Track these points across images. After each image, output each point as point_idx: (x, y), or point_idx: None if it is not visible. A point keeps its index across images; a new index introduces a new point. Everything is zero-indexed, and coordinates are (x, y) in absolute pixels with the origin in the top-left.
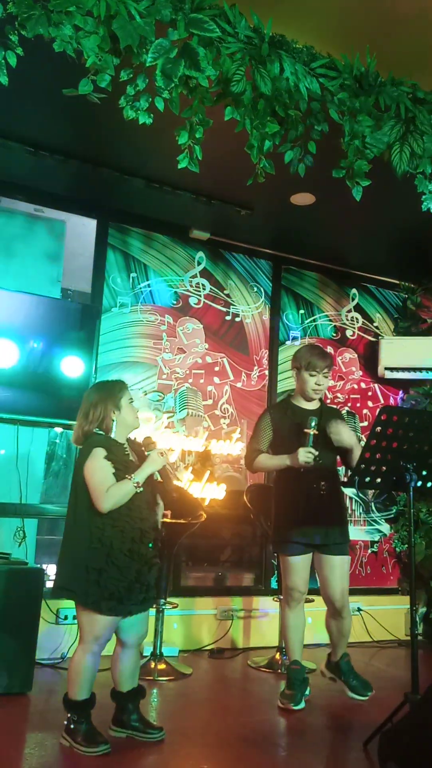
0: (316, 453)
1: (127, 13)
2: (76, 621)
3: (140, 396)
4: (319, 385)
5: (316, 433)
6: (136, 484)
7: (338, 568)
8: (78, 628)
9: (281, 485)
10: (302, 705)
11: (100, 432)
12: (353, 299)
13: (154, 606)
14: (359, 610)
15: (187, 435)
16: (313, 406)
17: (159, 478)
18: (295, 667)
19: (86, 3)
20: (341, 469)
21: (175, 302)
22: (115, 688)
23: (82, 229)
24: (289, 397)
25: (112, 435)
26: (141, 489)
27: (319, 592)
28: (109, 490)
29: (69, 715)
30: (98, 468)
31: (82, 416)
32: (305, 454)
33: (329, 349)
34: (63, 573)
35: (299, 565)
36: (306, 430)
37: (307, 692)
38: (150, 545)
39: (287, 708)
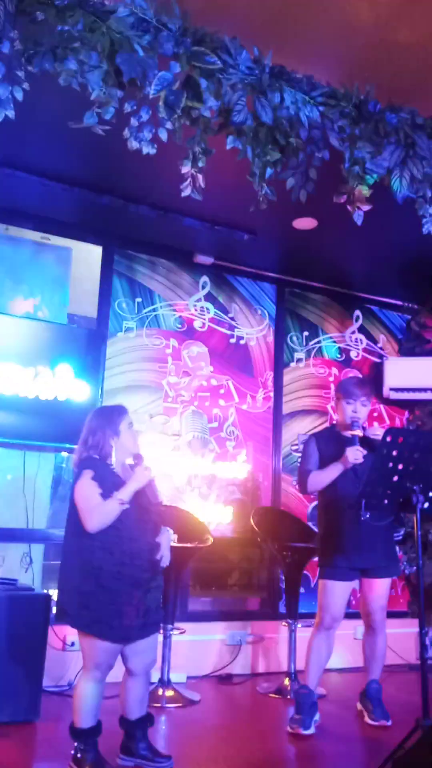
0: (365, 452)
1: (130, 47)
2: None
3: (146, 419)
4: (355, 413)
5: (361, 435)
6: (119, 501)
7: (379, 586)
8: (82, 655)
9: (328, 511)
10: (312, 730)
11: (96, 456)
12: (357, 321)
13: (161, 632)
14: None
15: (193, 458)
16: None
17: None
18: (303, 691)
19: (91, 38)
20: None
21: (180, 326)
22: (123, 715)
23: (88, 255)
24: (333, 426)
25: (112, 460)
26: (126, 505)
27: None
28: (94, 509)
29: (76, 743)
30: (84, 488)
31: (82, 442)
32: (354, 452)
33: (333, 370)
34: (59, 597)
35: (337, 590)
36: (351, 432)
37: (316, 717)
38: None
39: (297, 732)
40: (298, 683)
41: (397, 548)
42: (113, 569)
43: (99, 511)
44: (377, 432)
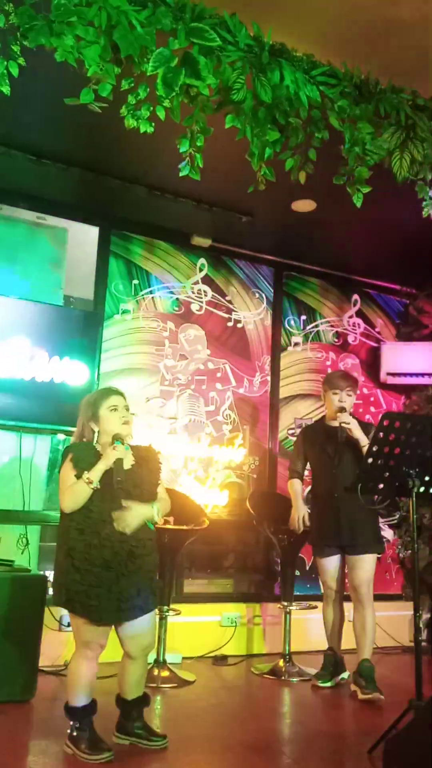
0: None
1: (127, 23)
2: None
3: (142, 402)
4: (341, 401)
5: (348, 423)
6: (87, 480)
7: (360, 562)
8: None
9: (315, 495)
10: (330, 683)
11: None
12: (355, 305)
13: (158, 613)
14: None
15: (190, 441)
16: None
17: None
18: (328, 652)
19: (87, 13)
20: None
21: (177, 309)
22: (120, 694)
23: (85, 236)
24: (323, 418)
25: (97, 444)
26: (94, 485)
27: (321, 600)
28: (66, 490)
29: (71, 722)
30: (63, 470)
31: (75, 432)
32: (294, 523)
33: (331, 355)
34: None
35: (327, 564)
36: (340, 420)
37: (345, 676)
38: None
39: (315, 684)
40: (292, 664)
41: (392, 531)
42: (83, 550)
43: (70, 492)
44: (345, 420)
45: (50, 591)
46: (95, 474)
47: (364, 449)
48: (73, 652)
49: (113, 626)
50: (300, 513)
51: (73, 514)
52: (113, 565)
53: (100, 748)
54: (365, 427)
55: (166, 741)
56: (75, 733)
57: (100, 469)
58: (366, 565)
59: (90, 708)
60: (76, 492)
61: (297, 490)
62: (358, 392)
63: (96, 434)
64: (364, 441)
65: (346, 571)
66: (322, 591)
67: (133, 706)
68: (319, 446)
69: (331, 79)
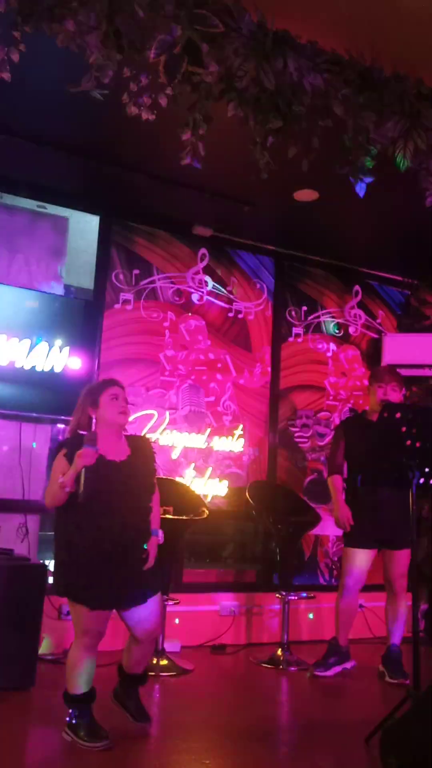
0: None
1: (130, 8)
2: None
3: (142, 393)
4: (386, 395)
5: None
6: (60, 484)
7: (399, 556)
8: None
9: (354, 488)
10: (329, 672)
11: (83, 433)
12: (356, 296)
13: None
14: (361, 606)
15: (190, 432)
16: None
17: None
18: (332, 642)
19: None
20: None
21: (177, 299)
22: (121, 664)
23: (86, 225)
24: (364, 412)
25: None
26: (68, 489)
27: (319, 590)
28: (48, 489)
29: (70, 710)
30: (54, 466)
31: (72, 419)
32: (340, 524)
33: (332, 346)
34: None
35: (358, 556)
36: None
37: (348, 666)
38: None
39: (313, 673)
40: (290, 653)
41: None
42: (82, 544)
43: (48, 492)
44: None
45: (50, 580)
46: (68, 477)
47: None
48: (72, 640)
49: (119, 613)
50: (345, 513)
51: (69, 509)
52: (114, 557)
53: (98, 735)
54: None
55: (149, 724)
56: (74, 721)
57: (72, 472)
58: (404, 559)
59: (89, 696)
60: (52, 493)
61: (338, 487)
62: (359, 383)
63: (93, 421)
64: None
65: (383, 563)
66: (342, 581)
67: (130, 681)
68: (360, 439)
69: (334, 67)
